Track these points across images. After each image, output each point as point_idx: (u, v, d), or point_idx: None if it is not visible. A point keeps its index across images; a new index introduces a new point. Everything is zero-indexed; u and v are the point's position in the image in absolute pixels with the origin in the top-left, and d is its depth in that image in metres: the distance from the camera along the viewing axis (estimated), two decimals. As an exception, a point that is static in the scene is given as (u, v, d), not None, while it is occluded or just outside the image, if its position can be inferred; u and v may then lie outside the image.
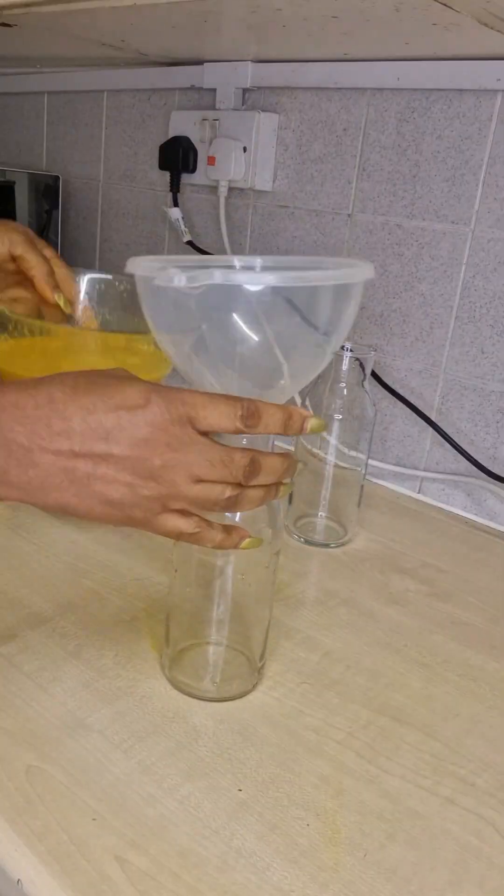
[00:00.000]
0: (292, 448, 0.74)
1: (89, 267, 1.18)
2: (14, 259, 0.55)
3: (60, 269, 0.58)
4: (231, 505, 0.41)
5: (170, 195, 1.00)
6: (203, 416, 0.39)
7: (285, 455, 0.42)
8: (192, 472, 0.39)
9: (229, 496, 0.40)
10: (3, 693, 0.47)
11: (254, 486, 0.41)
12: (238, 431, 0.39)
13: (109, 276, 0.70)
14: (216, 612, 0.47)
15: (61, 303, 0.55)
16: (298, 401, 0.92)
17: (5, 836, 0.38)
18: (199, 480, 0.39)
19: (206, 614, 0.47)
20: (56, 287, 0.55)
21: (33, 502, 0.39)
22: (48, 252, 0.58)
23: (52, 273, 0.55)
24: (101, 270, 0.70)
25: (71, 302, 0.58)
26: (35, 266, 0.55)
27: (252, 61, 0.88)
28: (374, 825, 0.41)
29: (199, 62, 0.92)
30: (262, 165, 0.90)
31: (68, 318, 0.61)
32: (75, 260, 1.20)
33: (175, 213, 0.99)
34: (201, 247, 1.00)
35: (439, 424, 0.82)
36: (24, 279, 0.56)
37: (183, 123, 0.96)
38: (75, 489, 0.39)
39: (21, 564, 0.62)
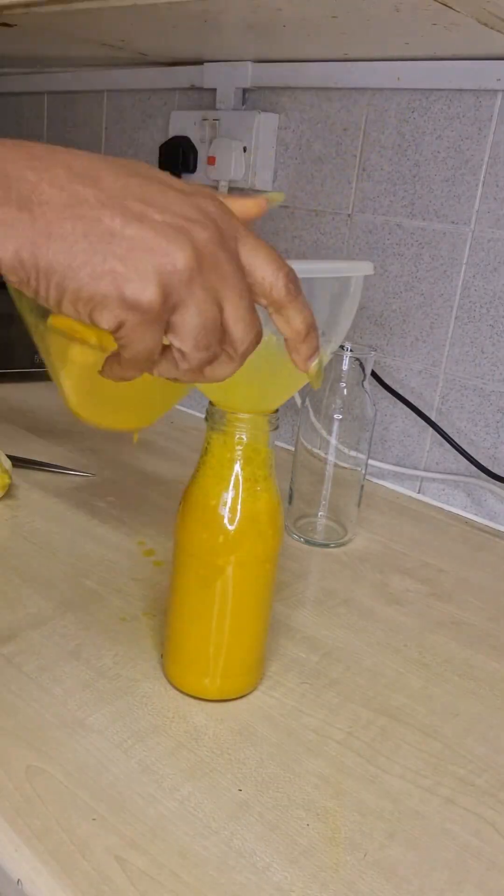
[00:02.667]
0: (292, 448, 0.74)
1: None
2: None
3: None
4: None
5: (170, 195, 1.00)
6: (250, 246, 0.33)
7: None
8: (223, 290, 0.32)
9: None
10: (3, 693, 0.47)
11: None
12: (269, 291, 0.33)
13: None
14: (216, 612, 0.47)
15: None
16: (298, 400, 0.92)
17: (5, 836, 0.38)
18: (220, 306, 0.32)
19: (207, 614, 0.47)
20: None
21: (25, 255, 0.29)
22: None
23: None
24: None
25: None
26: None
27: (252, 61, 0.88)
28: (374, 825, 0.41)
29: (199, 62, 0.92)
30: (262, 165, 0.90)
31: None
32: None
33: (175, 213, 0.99)
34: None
35: (439, 424, 0.82)
36: None
37: (183, 123, 0.96)
38: (87, 244, 0.30)
39: (21, 564, 0.62)
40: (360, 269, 0.43)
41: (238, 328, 0.33)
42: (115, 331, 0.31)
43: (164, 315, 0.31)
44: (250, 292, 0.33)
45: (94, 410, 0.55)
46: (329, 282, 0.42)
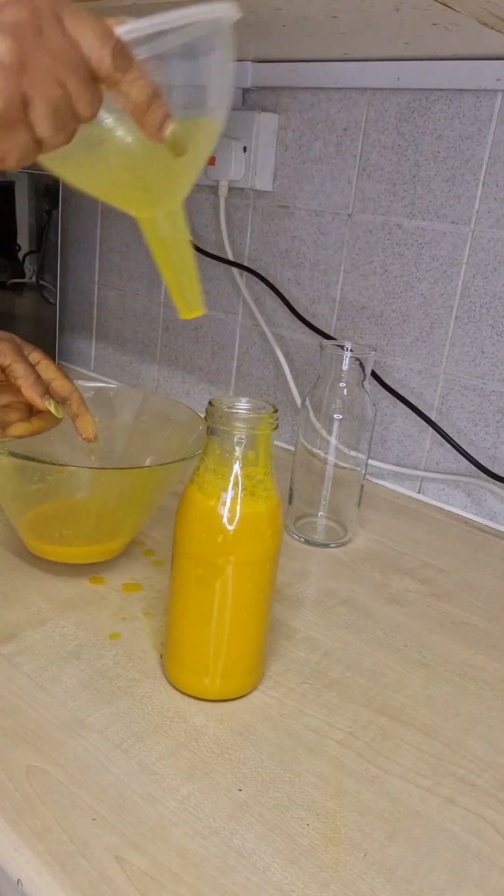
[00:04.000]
0: (292, 448, 0.74)
1: (89, 268, 1.18)
2: (2, 369, 0.55)
3: (48, 372, 0.57)
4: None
5: (170, 195, 1.00)
6: (74, 22, 0.33)
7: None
8: (59, 69, 0.33)
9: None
10: (4, 693, 0.47)
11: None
12: (98, 68, 0.34)
13: (98, 385, 0.71)
14: (216, 612, 0.47)
15: (52, 408, 0.54)
16: (298, 400, 0.92)
17: (5, 836, 0.38)
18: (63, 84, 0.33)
19: (206, 614, 0.47)
20: (45, 393, 0.54)
21: None
22: (36, 355, 0.57)
23: (39, 380, 0.55)
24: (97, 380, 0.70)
25: (66, 399, 0.57)
26: (22, 375, 0.54)
27: (252, 61, 0.88)
28: (374, 825, 0.41)
29: (199, 62, 0.92)
30: (262, 165, 0.90)
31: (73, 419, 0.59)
32: (75, 261, 1.20)
33: (175, 212, 0.99)
34: (201, 247, 1.00)
35: (439, 424, 0.82)
36: (14, 386, 0.56)
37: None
38: None
39: (20, 565, 0.62)
40: (214, 12, 0.37)
41: (80, 104, 0.34)
42: None
43: (16, 114, 0.33)
44: (86, 65, 0.34)
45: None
46: (178, 35, 0.37)
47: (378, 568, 0.69)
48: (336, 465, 0.71)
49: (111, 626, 0.55)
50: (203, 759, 0.44)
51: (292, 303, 0.92)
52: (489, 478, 0.79)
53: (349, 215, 0.86)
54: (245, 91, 0.91)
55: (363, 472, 0.72)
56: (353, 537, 0.74)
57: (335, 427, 0.69)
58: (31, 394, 0.54)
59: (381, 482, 0.89)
